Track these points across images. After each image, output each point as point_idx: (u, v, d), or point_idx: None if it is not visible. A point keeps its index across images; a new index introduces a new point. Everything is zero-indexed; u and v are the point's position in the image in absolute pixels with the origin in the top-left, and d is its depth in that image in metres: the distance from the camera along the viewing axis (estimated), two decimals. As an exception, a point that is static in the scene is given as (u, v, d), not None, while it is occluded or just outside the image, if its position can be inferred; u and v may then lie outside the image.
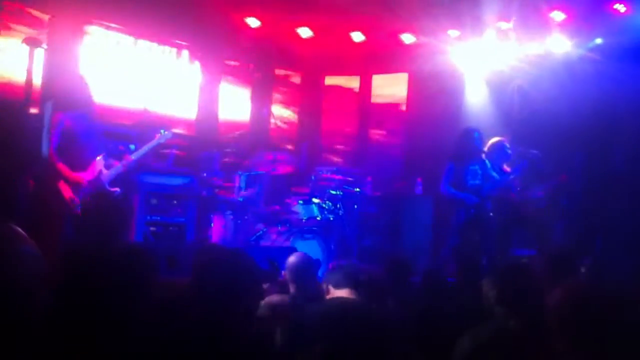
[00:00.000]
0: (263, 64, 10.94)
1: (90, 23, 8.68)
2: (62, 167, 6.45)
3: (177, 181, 7.97)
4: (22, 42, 6.80)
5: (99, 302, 2.50)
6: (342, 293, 3.89)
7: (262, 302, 3.54)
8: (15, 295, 1.86)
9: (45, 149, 6.70)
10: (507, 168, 8.27)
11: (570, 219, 8.63)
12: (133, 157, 6.91)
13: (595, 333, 2.21)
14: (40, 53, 7.06)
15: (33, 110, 7.13)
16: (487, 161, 8.07)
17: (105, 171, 6.65)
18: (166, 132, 7.19)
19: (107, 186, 6.63)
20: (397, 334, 2.79)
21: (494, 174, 8.04)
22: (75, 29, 8.46)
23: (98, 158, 6.63)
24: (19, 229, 1.99)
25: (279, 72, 11.35)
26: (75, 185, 6.47)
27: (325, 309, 2.95)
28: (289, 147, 10.97)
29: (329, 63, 11.34)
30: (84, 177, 6.53)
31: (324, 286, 4.08)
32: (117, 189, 6.69)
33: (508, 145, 8.29)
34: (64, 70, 7.96)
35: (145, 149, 7.02)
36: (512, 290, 3.15)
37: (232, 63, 10.59)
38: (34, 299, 1.91)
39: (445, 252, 8.01)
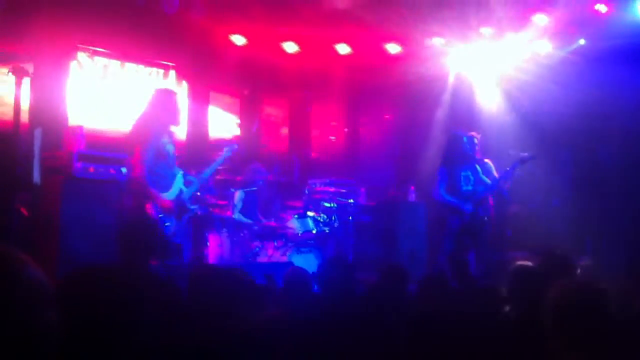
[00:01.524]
0: (251, 80, 10.97)
1: (77, 49, 8.70)
2: (153, 192, 6.29)
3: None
4: (9, 72, 6.82)
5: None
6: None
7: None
8: (20, 320, 1.87)
9: (36, 176, 6.71)
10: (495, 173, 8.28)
11: (562, 219, 8.67)
12: (206, 174, 7.01)
13: (590, 332, 2.22)
14: (27, 82, 7.08)
15: (23, 138, 7.14)
16: (477, 166, 8.10)
17: (184, 189, 6.63)
18: (230, 146, 7.31)
19: (188, 204, 6.65)
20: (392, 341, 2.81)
21: (486, 178, 8.06)
22: (62, 56, 8.48)
23: (178, 176, 6.60)
24: (22, 253, 2.00)
25: (267, 87, 11.38)
26: (164, 209, 6.38)
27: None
28: (280, 161, 10.98)
29: (316, 78, 11.38)
30: (170, 198, 6.43)
31: None
32: (196, 206, 6.82)
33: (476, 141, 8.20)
34: (52, 98, 7.99)
35: (214, 165, 7.14)
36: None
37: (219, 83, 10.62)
38: (39, 324, 1.91)
39: (441, 259, 8.02)
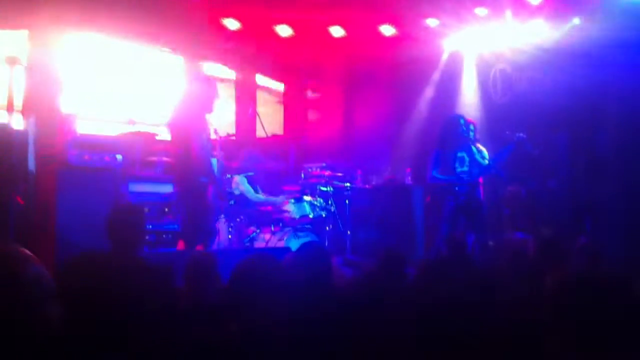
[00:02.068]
0: (245, 64, 10.92)
1: (70, 34, 8.64)
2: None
3: (168, 188, 7.94)
4: (2, 61, 6.80)
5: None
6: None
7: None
8: (25, 317, 1.87)
9: (31, 164, 6.69)
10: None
11: (559, 201, 8.67)
12: None
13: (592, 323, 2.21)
14: (20, 70, 7.06)
15: (17, 127, 7.11)
16: (473, 147, 8.09)
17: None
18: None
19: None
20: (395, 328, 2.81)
21: (481, 159, 8.06)
22: (55, 42, 8.42)
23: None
24: (26, 251, 2.00)
25: (262, 71, 11.33)
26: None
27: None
28: (276, 145, 10.96)
29: (311, 61, 11.34)
30: None
31: None
32: None
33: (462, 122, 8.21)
34: (46, 85, 7.95)
35: None
36: None
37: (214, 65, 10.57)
38: (42, 320, 1.92)
39: (438, 241, 8.03)
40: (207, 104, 6.95)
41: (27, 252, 1.95)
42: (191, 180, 6.75)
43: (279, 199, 8.82)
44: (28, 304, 1.84)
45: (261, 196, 8.71)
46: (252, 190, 8.66)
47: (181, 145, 6.79)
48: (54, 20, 8.25)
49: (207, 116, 7.01)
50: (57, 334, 1.93)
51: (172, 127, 7.02)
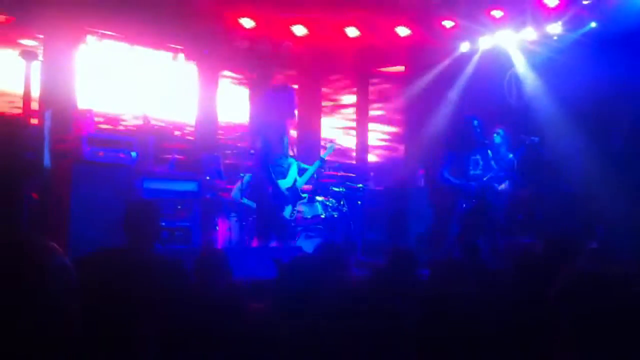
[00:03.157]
0: (260, 64, 10.94)
1: (86, 32, 8.71)
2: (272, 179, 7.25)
3: (180, 186, 7.97)
4: (19, 55, 6.83)
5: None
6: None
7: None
8: (51, 309, 1.89)
9: (46, 160, 6.74)
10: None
11: (571, 205, 8.63)
12: (315, 166, 7.96)
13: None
14: (36, 65, 7.10)
15: (32, 122, 7.16)
16: (489, 150, 8.07)
17: (298, 178, 7.58)
18: (332, 144, 8.55)
19: (299, 192, 7.65)
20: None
21: (494, 163, 8.04)
22: (71, 39, 8.49)
23: (293, 166, 7.55)
24: (51, 242, 2.01)
25: (277, 71, 11.34)
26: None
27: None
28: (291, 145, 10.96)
29: (326, 62, 11.35)
30: (285, 186, 7.42)
31: None
32: (306, 195, 7.96)
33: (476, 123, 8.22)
34: (61, 81, 8.02)
35: (322, 158, 8.17)
36: None
37: (228, 66, 10.60)
38: (68, 313, 1.94)
39: (449, 242, 8.01)
40: (287, 111, 7.34)
41: (52, 243, 1.97)
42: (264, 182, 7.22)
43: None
44: (52, 294, 1.86)
45: (248, 201, 8.70)
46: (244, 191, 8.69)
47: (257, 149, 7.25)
48: (71, 19, 8.31)
49: (288, 122, 7.46)
50: (77, 326, 1.95)
51: (252, 132, 7.37)
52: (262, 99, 7.51)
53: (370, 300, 3.72)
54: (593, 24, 8.91)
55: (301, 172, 7.70)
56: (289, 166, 7.44)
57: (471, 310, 2.96)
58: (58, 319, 1.89)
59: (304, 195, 7.61)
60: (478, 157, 8.05)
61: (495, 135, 8.49)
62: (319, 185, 9.14)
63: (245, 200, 8.56)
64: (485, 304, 2.95)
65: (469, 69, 10.40)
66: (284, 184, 7.32)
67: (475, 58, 10.34)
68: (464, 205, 7.97)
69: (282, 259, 6.43)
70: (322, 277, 3.48)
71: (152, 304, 3.08)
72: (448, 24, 9.95)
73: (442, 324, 3.01)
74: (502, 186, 8.13)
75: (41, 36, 8.14)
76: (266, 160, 7.12)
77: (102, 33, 8.90)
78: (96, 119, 7.97)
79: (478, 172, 8.01)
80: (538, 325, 2.54)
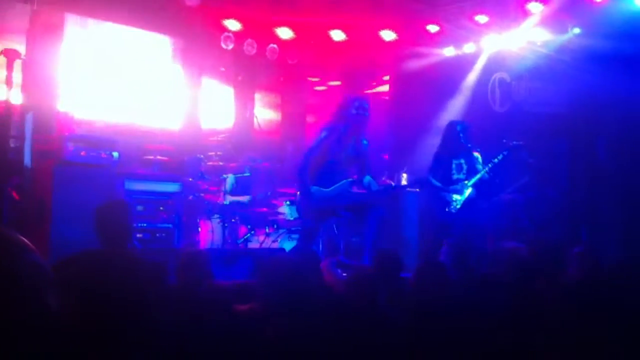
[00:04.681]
0: (245, 66, 10.90)
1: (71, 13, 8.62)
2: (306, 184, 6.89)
3: (163, 187, 7.93)
4: (0, 53, 6.77)
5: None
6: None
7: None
8: (23, 304, 1.84)
9: (27, 159, 6.67)
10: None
11: (556, 209, 8.67)
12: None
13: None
14: (18, 64, 7.03)
15: (14, 121, 7.09)
16: (475, 154, 8.08)
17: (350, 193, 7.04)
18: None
19: (339, 209, 7.08)
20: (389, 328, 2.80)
21: (480, 167, 8.05)
22: (55, 35, 8.38)
23: (346, 180, 6.99)
24: (23, 238, 1.97)
25: (262, 73, 11.31)
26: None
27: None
28: (274, 148, 10.94)
29: (311, 65, 11.34)
30: (319, 195, 6.95)
31: None
32: (348, 214, 7.16)
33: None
34: (44, 80, 7.94)
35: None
36: None
37: (214, 66, 10.55)
38: (40, 307, 1.89)
39: (433, 246, 8.01)
40: (346, 120, 6.92)
41: (24, 239, 1.92)
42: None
43: (244, 198, 8.79)
44: (23, 290, 1.81)
45: (233, 198, 8.67)
46: (229, 191, 8.64)
47: None
48: (52, 20, 8.23)
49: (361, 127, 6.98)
50: (55, 326, 1.91)
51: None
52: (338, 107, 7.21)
53: (353, 301, 3.70)
54: (577, 30, 8.96)
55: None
56: (341, 177, 7.05)
57: (457, 313, 2.95)
58: (33, 317, 1.85)
59: (343, 213, 7.26)
60: (462, 161, 8.06)
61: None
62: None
63: (228, 200, 8.53)
64: (473, 308, 2.94)
65: (453, 73, 10.43)
66: (318, 192, 7.01)
67: (460, 63, 10.37)
68: (448, 209, 7.97)
69: (263, 261, 6.43)
70: (303, 279, 3.47)
71: (129, 307, 3.03)
72: (433, 28, 9.97)
73: (427, 326, 3.00)
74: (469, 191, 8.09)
75: (25, 33, 8.04)
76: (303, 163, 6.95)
77: (87, 19, 8.79)
78: (78, 119, 7.91)
79: (461, 176, 8.02)
80: (526, 328, 2.53)
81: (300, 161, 7.00)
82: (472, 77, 10.29)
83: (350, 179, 6.93)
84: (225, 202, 8.47)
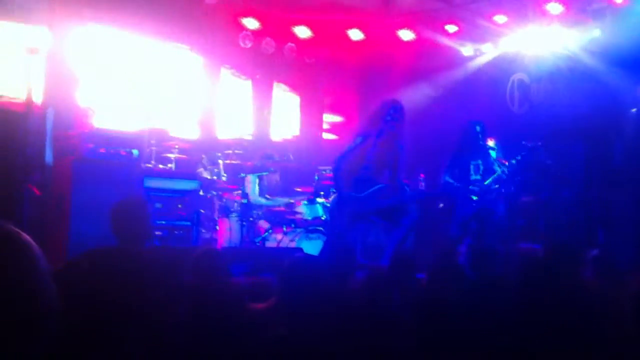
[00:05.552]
0: (263, 65, 10.92)
1: (91, 22, 8.68)
2: (341, 187, 7.11)
3: (181, 184, 7.97)
4: (22, 50, 6.83)
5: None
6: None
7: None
8: (21, 297, 1.87)
9: (48, 156, 6.74)
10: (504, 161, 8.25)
11: (572, 211, 8.63)
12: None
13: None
14: (40, 60, 7.10)
15: (34, 118, 7.15)
16: (492, 154, 8.07)
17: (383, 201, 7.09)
18: None
19: (370, 215, 7.13)
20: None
21: (497, 167, 8.04)
22: (76, 34, 8.47)
23: (378, 186, 7.04)
24: (18, 230, 1.99)
25: (280, 73, 11.32)
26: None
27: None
28: (291, 147, 10.95)
29: (329, 62, 11.35)
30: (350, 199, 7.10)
31: None
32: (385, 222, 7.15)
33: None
34: (65, 77, 8.01)
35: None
36: None
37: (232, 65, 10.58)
38: (40, 301, 1.92)
39: (447, 246, 8.00)
40: (373, 124, 7.04)
41: (19, 231, 1.95)
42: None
43: (278, 201, 8.83)
44: (19, 284, 1.84)
45: (262, 200, 8.72)
46: (256, 192, 8.67)
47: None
48: (75, 16, 8.30)
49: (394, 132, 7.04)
50: (54, 317, 1.93)
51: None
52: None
53: (368, 302, 3.72)
54: (596, 32, 8.91)
55: None
56: (372, 184, 7.14)
57: (470, 314, 2.96)
58: (31, 308, 1.87)
59: (374, 218, 7.29)
60: (479, 162, 8.06)
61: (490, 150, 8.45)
62: (320, 187, 9.13)
63: (254, 199, 8.56)
64: (486, 310, 2.95)
65: (473, 74, 10.40)
66: (349, 196, 7.16)
67: (478, 63, 10.34)
68: (464, 210, 7.97)
69: (285, 261, 6.45)
70: (325, 280, 3.48)
71: (143, 305, 3.06)
72: (451, 28, 9.95)
73: (439, 326, 3.01)
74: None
75: (46, 30, 8.11)
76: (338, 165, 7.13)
77: (105, 30, 8.87)
78: (98, 116, 7.97)
79: (478, 177, 8.01)
80: (539, 330, 2.54)
81: (333, 166, 7.10)
82: (490, 78, 10.27)
83: (382, 185, 6.95)
84: (244, 201, 8.46)
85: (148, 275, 3.59)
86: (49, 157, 6.76)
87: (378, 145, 6.99)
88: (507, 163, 8.20)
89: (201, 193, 8.20)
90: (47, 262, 1.93)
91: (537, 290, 3.55)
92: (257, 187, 8.72)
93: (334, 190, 7.26)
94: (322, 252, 7.15)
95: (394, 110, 7.00)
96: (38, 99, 7.44)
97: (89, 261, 3.52)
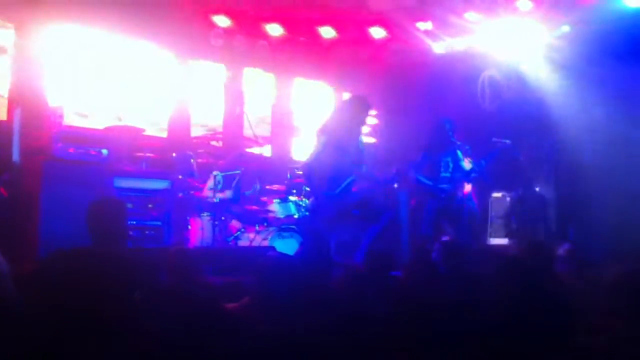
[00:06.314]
0: (234, 63, 10.86)
1: (59, 20, 8.57)
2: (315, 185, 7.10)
3: (152, 184, 7.89)
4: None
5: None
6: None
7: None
8: None
9: (16, 156, 6.64)
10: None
11: (544, 207, 8.71)
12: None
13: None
14: (6, 61, 7.00)
15: (2, 118, 7.06)
16: (459, 152, 8.11)
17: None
18: None
19: (350, 208, 7.18)
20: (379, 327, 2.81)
21: (467, 164, 8.08)
22: (43, 31, 8.35)
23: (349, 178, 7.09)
24: None
25: (251, 70, 11.27)
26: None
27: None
28: (263, 145, 10.90)
29: (301, 62, 11.33)
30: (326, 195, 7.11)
31: None
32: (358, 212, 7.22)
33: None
34: (32, 77, 7.90)
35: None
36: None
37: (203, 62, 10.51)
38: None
39: (419, 243, 8.03)
40: (346, 121, 7.07)
41: None
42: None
43: (227, 194, 8.76)
44: None
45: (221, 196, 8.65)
46: (218, 188, 8.59)
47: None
48: (42, 14, 8.18)
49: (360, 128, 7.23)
50: (14, 316, 1.89)
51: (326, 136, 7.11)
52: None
53: (345, 300, 3.71)
54: (565, 28, 8.99)
55: None
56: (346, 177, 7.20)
57: (445, 311, 2.96)
58: None
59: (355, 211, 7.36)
60: (449, 159, 8.09)
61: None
62: (293, 185, 9.11)
63: (217, 198, 8.48)
64: (461, 306, 2.95)
65: (442, 71, 10.44)
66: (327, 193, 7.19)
67: (450, 60, 10.39)
68: (434, 206, 8.00)
69: (258, 260, 6.41)
70: (300, 279, 3.47)
71: (118, 307, 3.01)
72: (423, 25, 9.98)
73: (416, 324, 3.01)
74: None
75: (11, 27, 7.98)
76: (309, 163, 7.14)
77: (75, 27, 8.76)
78: (67, 115, 7.87)
79: (448, 174, 8.05)
80: (514, 324, 2.55)
81: (304, 169, 7.22)
82: (461, 75, 10.31)
83: (353, 177, 7.01)
84: (215, 200, 8.42)
85: (124, 277, 3.53)
86: (17, 157, 6.66)
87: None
88: (474, 160, 8.24)
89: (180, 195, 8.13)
90: (6, 264, 1.89)
91: (511, 285, 3.57)
92: (219, 186, 8.63)
93: (308, 189, 7.21)
94: (299, 251, 7.13)
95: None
96: (5, 98, 7.34)
97: (64, 263, 3.46)
